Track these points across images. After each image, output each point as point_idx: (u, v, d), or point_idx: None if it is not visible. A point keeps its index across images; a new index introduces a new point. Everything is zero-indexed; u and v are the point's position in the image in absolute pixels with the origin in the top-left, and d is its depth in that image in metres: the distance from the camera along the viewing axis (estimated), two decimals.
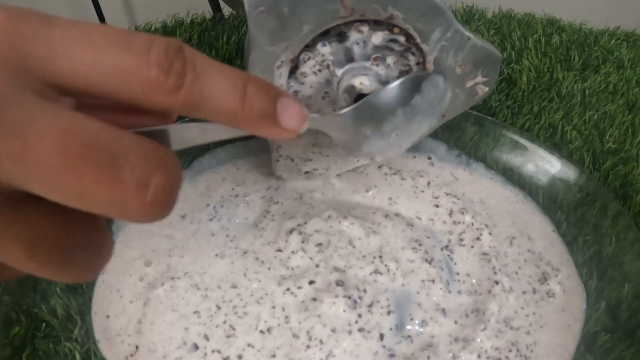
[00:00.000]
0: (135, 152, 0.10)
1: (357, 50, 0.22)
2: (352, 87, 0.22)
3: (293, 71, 0.23)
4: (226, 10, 0.44)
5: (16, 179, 0.09)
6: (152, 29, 0.40)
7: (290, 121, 0.12)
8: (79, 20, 0.11)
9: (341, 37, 0.22)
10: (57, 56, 0.10)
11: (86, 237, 0.11)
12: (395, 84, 0.20)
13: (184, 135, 0.12)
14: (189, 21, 0.40)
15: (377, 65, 0.23)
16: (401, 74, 0.24)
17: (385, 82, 0.23)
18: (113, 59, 0.10)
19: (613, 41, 0.40)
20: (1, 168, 0.09)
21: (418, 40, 0.22)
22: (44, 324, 0.22)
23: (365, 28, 0.22)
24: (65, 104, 0.11)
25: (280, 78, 0.22)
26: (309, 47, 0.22)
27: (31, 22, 0.10)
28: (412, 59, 0.23)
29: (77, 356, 0.22)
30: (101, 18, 0.55)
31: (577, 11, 0.43)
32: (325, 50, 0.22)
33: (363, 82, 0.21)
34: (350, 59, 0.23)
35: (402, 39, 0.23)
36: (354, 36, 0.22)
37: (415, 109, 0.21)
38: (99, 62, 0.10)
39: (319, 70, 0.23)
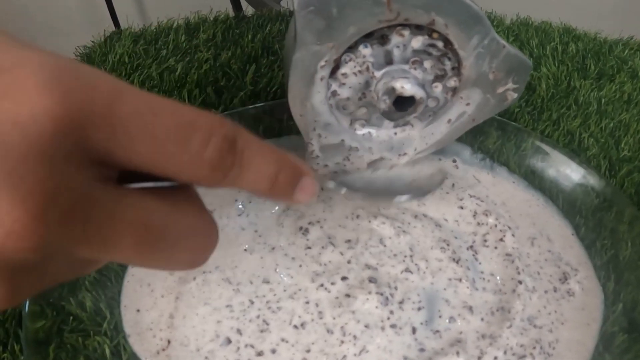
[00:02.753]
0: (189, 238, 0.12)
1: (397, 53, 0.23)
2: (393, 89, 0.22)
3: (334, 71, 0.23)
4: (248, 10, 0.44)
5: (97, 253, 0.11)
6: (175, 25, 0.40)
7: (302, 197, 0.14)
8: (142, 93, 0.11)
9: (383, 39, 0.23)
10: (118, 150, 0.10)
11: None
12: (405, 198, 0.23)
13: None
14: (212, 18, 0.41)
15: (415, 68, 0.23)
16: (437, 78, 0.25)
17: (422, 85, 0.23)
18: (170, 157, 0.11)
19: (627, 51, 0.41)
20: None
21: (456, 46, 0.23)
22: (71, 318, 0.22)
23: (406, 32, 0.22)
24: (113, 180, 0.11)
25: (322, 79, 0.23)
26: (351, 48, 0.23)
27: (94, 108, 0.10)
28: (448, 64, 0.24)
29: (107, 350, 0.22)
30: (113, 15, 0.55)
31: (591, 20, 0.44)
32: (366, 51, 0.23)
33: (404, 86, 0.22)
34: (389, 61, 0.23)
35: (440, 44, 0.23)
36: (395, 39, 0.23)
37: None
38: (156, 157, 0.11)
39: (359, 72, 0.23)
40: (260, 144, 0.13)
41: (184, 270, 0.14)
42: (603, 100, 0.36)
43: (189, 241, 0.12)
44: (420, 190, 0.25)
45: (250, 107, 0.31)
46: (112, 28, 0.41)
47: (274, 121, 0.30)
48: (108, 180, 0.11)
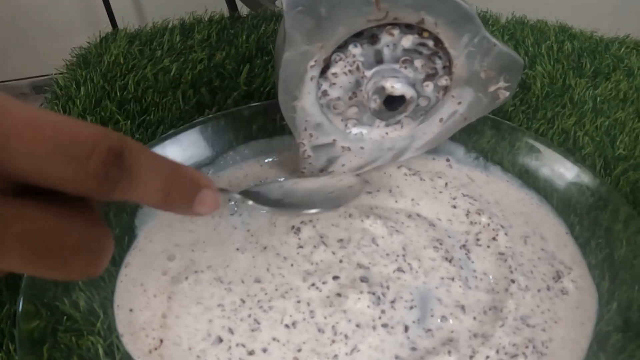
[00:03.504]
0: (79, 249, 0.12)
1: (387, 52, 0.23)
2: (383, 88, 0.22)
3: (324, 71, 0.23)
4: (243, 10, 0.44)
5: None
6: (170, 25, 0.40)
7: (202, 209, 0.14)
8: (25, 109, 0.11)
9: (372, 39, 0.23)
10: (2, 164, 0.11)
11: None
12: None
13: None
14: (207, 19, 0.41)
15: (405, 67, 0.23)
16: (428, 77, 0.24)
17: (412, 84, 0.23)
18: (54, 171, 0.11)
19: (623, 49, 0.41)
20: None
21: (446, 44, 0.23)
22: (65, 317, 0.22)
23: (396, 31, 0.22)
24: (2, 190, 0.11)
25: (312, 79, 0.23)
26: (341, 47, 0.23)
27: None
28: (439, 63, 0.24)
29: (100, 350, 0.22)
30: (110, 15, 0.56)
31: (587, 19, 0.44)
32: (356, 51, 0.23)
33: (394, 85, 0.22)
34: (379, 60, 0.23)
35: (430, 43, 0.23)
36: (385, 39, 0.23)
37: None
38: (39, 172, 0.11)
39: (349, 71, 0.23)
40: (152, 156, 0.13)
41: (80, 279, 0.14)
42: (598, 99, 0.36)
43: (80, 251, 0.12)
44: (335, 202, 0.25)
45: (244, 107, 0.31)
46: (110, 28, 0.41)
47: (267, 121, 0.30)
48: None
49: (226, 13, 0.42)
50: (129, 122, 0.31)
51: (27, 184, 0.11)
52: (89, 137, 0.11)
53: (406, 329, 0.23)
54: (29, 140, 0.11)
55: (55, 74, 0.36)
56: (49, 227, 0.11)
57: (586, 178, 0.29)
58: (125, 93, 0.33)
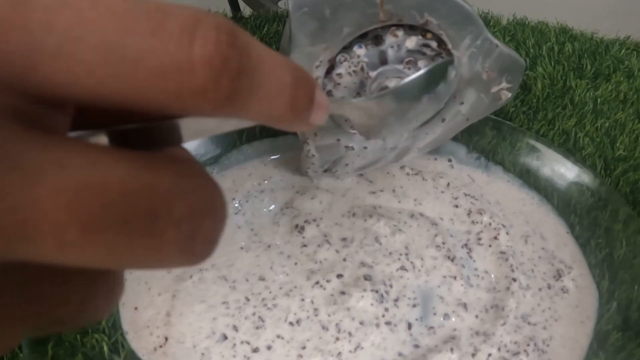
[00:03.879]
0: (178, 201, 0.07)
1: (391, 53, 0.23)
2: (386, 88, 0.23)
3: (329, 72, 0.23)
4: (246, 10, 0.44)
5: (19, 254, 0.06)
6: None
7: (318, 117, 0.10)
8: None
9: (377, 40, 0.23)
10: (44, 58, 0.06)
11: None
12: (423, 72, 0.19)
13: (200, 127, 0.09)
14: None
15: (409, 68, 0.24)
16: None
17: None
18: (135, 57, 0.06)
19: (623, 51, 0.41)
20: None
21: (449, 45, 0.23)
22: None
23: (400, 32, 0.23)
24: (64, 130, 0.07)
25: (317, 80, 0.23)
26: (346, 48, 0.23)
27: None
28: None
29: (105, 348, 0.22)
30: None
31: (588, 20, 0.44)
32: (360, 52, 0.23)
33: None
34: (383, 61, 0.24)
35: (434, 44, 0.23)
36: (389, 40, 0.23)
37: (439, 96, 0.20)
38: (113, 62, 0.06)
39: (354, 72, 0.23)
40: (265, 46, 0.08)
41: (177, 267, 0.08)
42: (599, 100, 0.37)
43: (177, 212, 0.07)
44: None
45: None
46: None
47: None
48: (32, 121, 0.07)
49: (229, 14, 0.42)
50: None
51: (88, 110, 0.07)
52: (184, 9, 0.07)
53: (409, 326, 0.23)
54: (89, 11, 0.06)
55: None
56: (125, 173, 0.07)
57: (586, 178, 0.30)
58: None
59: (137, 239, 0.07)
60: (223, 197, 0.08)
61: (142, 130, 0.08)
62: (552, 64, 0.39)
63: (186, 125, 0.09)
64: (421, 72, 0.19)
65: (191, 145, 0.29)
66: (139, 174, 0.07)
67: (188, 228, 0.07)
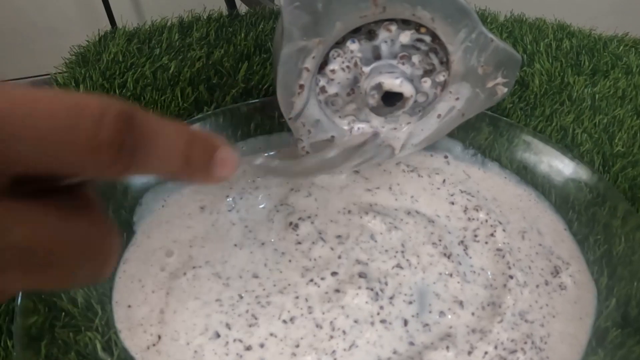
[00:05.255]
0: (57, 245, 0.10)
1: (384, 48, 0.23)
2: (381, 85, 0.22)
3: (322, 67, 0.23)
4: (242, 8, 0.44)
5: None
6: (168, 24, 0.41)
7: (223, 171, 0.13)
8: (18, 86, 0.10)
9: (370, 35, 0.23)
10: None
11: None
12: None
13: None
14: (205, 17, 0.41)
15: (403, 63, 0.23)
16: (425, 72, 0.25)
17: (410, 80, 0.23)
18: (60, 148, 0.09)
19: (622, 47, 0.41)
20: None
21: (444, 40, 0.23)
22: (63, 313, 0.22)
23: (393, 27, 0.22)
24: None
25: (309, 73, 0.23)
26: (339, 44, 0.23)
27: None
28: (436, 59, 0.24)
29: (98, 346, 0.22)
30: (110, 15, 0.56)
31: (586, 17, 0.44)
32: (354, 47, 0.23)
33: (392, 82, 0.22)
34: (377, 56, 0.23)
35: (428, 38, 0.23)
36: (382, 34, 0.23)
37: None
38: (43, 152, 0.09)
39: (347, 68, 0.23)
40: (160, 118, 0.11)
41: (86, 285, 0.11)
42: (597, 96, 0.36)
43: (86, 256, 0.11)
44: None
45: (242, 104, 0.31)
46: (109, 27, 0.41)
47: (266, 118, 0.31)
48: None
49: (225, 11, 0.42)
50: None
51: (23, 177, 0.10)
52: (94, 103, 0.10)
53: (405, 322, 0.23)
54: (28, 114, 0.09)
55: (54, 73, 0.36)
56: (52, 231, 0.10)
57: (584, 174, 0.29)
58: (124, 91, 0.34)
59: (30, 274, 0.10)
60: (108, 244, 0.11)
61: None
62: (550, 60, 0.39)
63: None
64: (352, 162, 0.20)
65: None
66: (52, 224, 0.10)
67: (67, 267, 0.10)
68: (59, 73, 0.36)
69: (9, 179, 0.10)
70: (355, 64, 0.23)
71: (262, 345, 0.22)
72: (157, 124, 0.11)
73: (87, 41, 0.39)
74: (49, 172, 0.10)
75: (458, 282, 0.25)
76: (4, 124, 0.09)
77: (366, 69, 0.23)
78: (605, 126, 0.34)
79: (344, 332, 0.22)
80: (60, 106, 0.09)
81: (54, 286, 0.10)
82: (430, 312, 0.24)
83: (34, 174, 0.10)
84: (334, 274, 0.24)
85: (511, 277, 0.25)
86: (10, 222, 0.09)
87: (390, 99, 0.24)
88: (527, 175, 0.30)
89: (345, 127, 0.25)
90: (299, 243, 0.26)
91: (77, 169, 0.10)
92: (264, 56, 0.37)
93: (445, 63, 0.24)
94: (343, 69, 0.23)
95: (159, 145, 0.11)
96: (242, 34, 0.38)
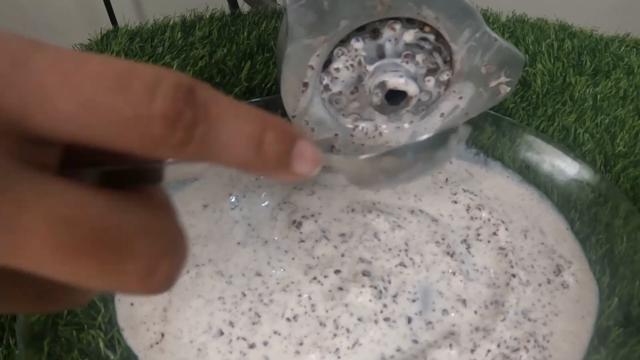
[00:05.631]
0: (141, 238, 0.09)
1: (388, 47, 0.23)
2: (385, 83, 0.23)
3: (326, 65, 0.23)
4: (244, 7, 0.44)
5: (8, 263, 0.08)
6: (171, 23, 0.41)
7: (303, 168, 0.11)
8: (62, 50, 0.09)
9: (374, 33, 0.23)
10: (34, 110, 0.08)
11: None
12: (424, 138, 0.19)
13: (185, 170, 0.11)
14: (208, 16, 0.41)
15: (407, 62, 0.23)
16: (429, 71, 0.25)
17: (414, 79, 0.23)
18: (106, 110, 0.08)
19: (623, 48, 0.41)
20: None
21: (448, 39, 0.23)
22: (66, 311, 0.22)
23: (398, 26, 0.23)
24: (50, 167, 0.09)
25: (314, 71, 0.23)
26: (343, 42, 0.23)
27: None
28: (440, 58, 0.24)
29: (101, 344, 0.22)
30: (110, 13, 0.56)
31: (587, 17, 0.44)
32: (358, 45, 0.23)
33: (396, 80, 0.22)
34: (381, 55, 0.23)
35: (432, 37, 0.23)
36: (387, 33, 0.23)
37: (436, 163, 0.20)
38: (88, 114, 0.08)
39: (351, 66, 0.23)
40: (230, 99, 0.10)
41: (137, 292, 0.09)
42: (599, 97, 0.36)
43: (144, 250, 0.09)
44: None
45: (245, 102, 0.31)
46: (110, 27, 0.41)
47: None
48: (25, 159, 0.08)
49: (227, 10, 0.42)
50: None
51: (75, 154, 0.09)
52: (148, 72, 0.09)
53: (409, 320, 0.23)
54: (72, 74, 0.08)
55: None
56: (99, 210, 0.08)
57: (586, 174, 0.29)
58: None
59: (103, 265, 0.08)
60: (184, 241, 0.10)
61: (127, 171, 0.10)
62: (552, 60, 0.39)
63: (170, 168, 0.10)
64: (422, 138, 0.18)
65: None
66: (110, 212, 0.09)
67: (147, 264, 0.09)
68: None
69: (59, 151, 0.09)
70: (360, 63, 0.23)
71: (265, 343, 0.22)
72: (225, 101, 0.09)
73: (89, 40, 0.39)
74: (97, 143, 0.09)
75: (461, 281, 0.25)
76: (46, 81, 0.08)
77: (370, 68, 0.23)
78: (607, 126, 0.35)
79: (347, 330, 0.22)
80: (110, 70, 0.08)
81: (91, 280, 0.08)
82: (433, 310, 0.24)
83: (83, 145, 0.08)
84: (337, 272, 0.24)
85: (514, 275, 0.25)
86: (43, 191, 0.08)
87: (394, 98, 0.24)
88: (529, 174, 0.31)
89: (349, 126, 0.25)
90: (302, 241, 0.26)
91: (127, 142, 0.09)
92: (267, 55, 0.37)
93: (449, 62, 0.24)
94: (347, 68, 0.23)
95: (226, 127, 0.09)
96: (245, 33, 0.38)
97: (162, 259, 0.09)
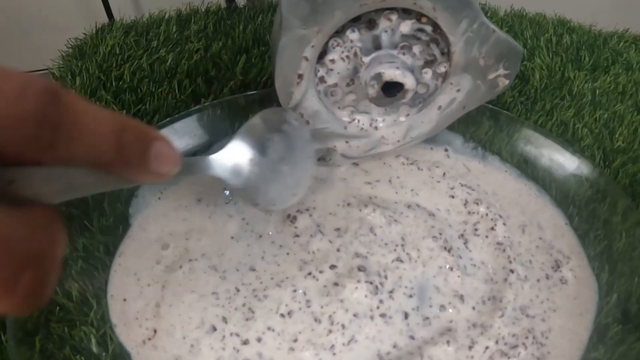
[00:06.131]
0: (2, 248, 0.09)
1: (385, 38, 0.23)
2: (381, 75, 0.22)
3: (321, 57, 0.23)
4: (240, 1, 0.44)
5: None
6: (166, 16, 0.40)
7: (162, 167, 0.12)
8: None
9: (370, 24, 0.22)
10: None
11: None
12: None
13: (74, 183, 0.11)
14: (203, 10, 0.40)
15: (404, 54, 0.23)
16: (426, 63, 0.24)
17: (411, 71, 0.23)
18: None
19: (622, 43, 0.41)
20: None
21: (445, 30, 0.23)
22: (58, 308, 0.22)
23: (394, 16, 0.22)
24: None
25: (308, 63, 0.22)
26: (339, 33, 0.22)
27: None
28: (437, 49, 0.24)
29: (93, 340, 0.21)
30: (107, 9, 0.55)
31: (586, 12, 0.43)
32: (354, 36, 0.22)
33: (392, 72, 0.22)
34: (377, 46, 0.23)
35: (429, 28, 0.23)
36: (383, 24, 0.22)
37: (292, 163, 0.21)
38: None
39: (347, 57, 0.23)
40: (91, 103, 0.11)
41: (4, 312, 0.09)
42: (597, 92, 0.36)
43: (28, 261, 0.09)
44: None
45: (240, 95, 0.30)
46: (107, 21, 0.41)
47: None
48: None
49: (223, 4, 0.41)
50: (124, 111, 0.31)
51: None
52: (20, 77, 0.09)
53: (406, 315, 0.23)
54: None
55: (51, 66, 0.35)
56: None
57: (585, 169, 0.29)
58: (120, 83, 0.33)
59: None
60: (53, 260, 0.10)
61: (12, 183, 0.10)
62: (550, 55, 0.38)
63: (58, 179, 0.11)
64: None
65: (183, 134, 0.29)
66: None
67: (6, 276, 0.09)
68: (55, 65, 0.35)
69: None
70: (355, 54, 0.23)
71: (259, 340, 0.22)
72: (85, 104, 0.10)
73: (84, 34, 0.39)
74: None
75: (458, 276, 0.24)
76: None
77: (366, 59, 0.23)
78: (606, 121, 0.34)
79: (343, 326, 0.22)
80: None
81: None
82: (430, 306, 0.23)
83: None
84: (332, 267, 0.24)
85: (512, 271, 0.25)
86: None
87: (390, 90, 0.23)
88: (527, 169, 0.30)
89: (345, 119, 0.25)
90: (297, 236, 0.25)
91: (3, 144, 0.09)
92: (263, 49, 0.36)
93: (447, 54, 0.24)
94: (342, 59, 0.23)
95: (87, 128, 0.10)
96: (241, 27, 0.38)
97: (23, 268, 0.09)
